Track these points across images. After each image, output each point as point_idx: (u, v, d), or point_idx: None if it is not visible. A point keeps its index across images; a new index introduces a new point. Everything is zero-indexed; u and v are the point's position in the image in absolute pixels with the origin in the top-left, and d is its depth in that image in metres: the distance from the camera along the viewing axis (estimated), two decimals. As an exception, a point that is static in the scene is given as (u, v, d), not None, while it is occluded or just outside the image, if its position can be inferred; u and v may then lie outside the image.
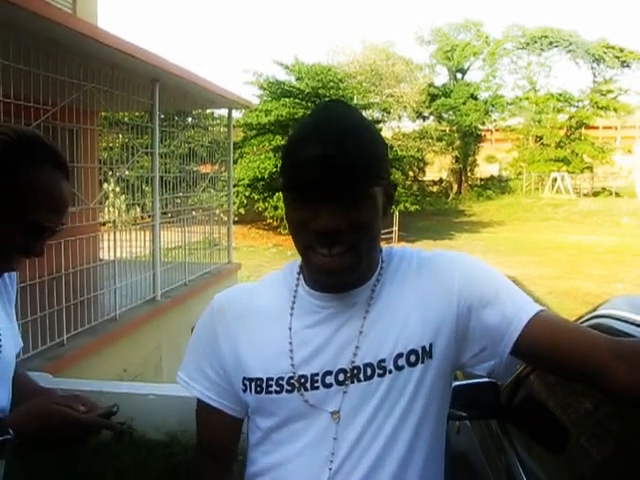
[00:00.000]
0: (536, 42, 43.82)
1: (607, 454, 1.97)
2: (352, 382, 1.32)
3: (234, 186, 18.24)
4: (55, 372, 5.54)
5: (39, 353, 5.98)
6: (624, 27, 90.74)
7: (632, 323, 2.04)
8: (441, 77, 46.95)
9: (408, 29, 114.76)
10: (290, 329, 1.36)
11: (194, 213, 10.98)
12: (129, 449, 4.56)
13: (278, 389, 1.35)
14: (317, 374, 1.33)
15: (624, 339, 1.32)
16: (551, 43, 43.71)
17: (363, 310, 1.35)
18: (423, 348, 1.32)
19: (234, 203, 18.01)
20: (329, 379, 1.32)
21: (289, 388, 1.34)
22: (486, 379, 2.58)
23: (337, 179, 1.22)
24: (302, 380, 1.33)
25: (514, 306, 1.31)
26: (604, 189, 42.88)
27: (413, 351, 1.32)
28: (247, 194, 25.93)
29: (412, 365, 1.32)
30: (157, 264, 8.79)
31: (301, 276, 1.42)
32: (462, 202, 41.75)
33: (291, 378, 1.34)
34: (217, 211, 12.28)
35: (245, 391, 1.40)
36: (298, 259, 1.41)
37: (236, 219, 18.51)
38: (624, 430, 1.87)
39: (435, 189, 44.52)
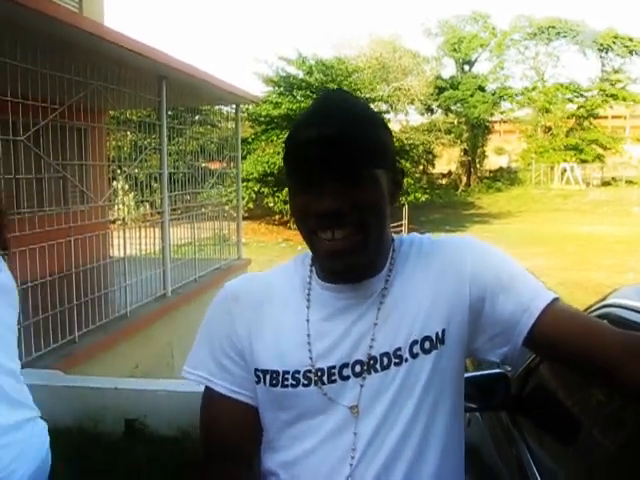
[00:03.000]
0: (543, 32, 43.65)
1: (619, 445, 1.97)
2: (369, 373, 1.29)
3: (243, 181, 18.26)
4: (67, 369, 5.58)
5: (51, 351, 6.01)
6: (633, 16, 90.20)
7: (641, 312, 2.03)
8: (448, 69, 46.83)
9: (415, 21, 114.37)
10: (308, 321, 1.34)
11: (203, 209, 10.99)
12: (141, 445, 4.58)
13: (294, 382, 1.31)
14: (334, 367, 1.30)
15: (638, 333, 1.29)
16: (558, 33, 43.53)
17: (377, 301, 1.33)
18: (436, 334, 1.30)
19: (243, 198, 18.03)
20: (346, 371, 1.30)
21: (306, 382, 1.31)
22: (496, 370, 2.58)
23: (335, 159, 1.21)
24: (319, 373, 1.30)
25: (529, 292, 1.30)
26: (614, 179, 42.67)
27: (427, 338, 1.30)
28: (256, 189, 25.96)
29: (426, 352, 1.30)
30: (167, 261, 8.81)
31: (313, 268, 1.40)
32: (471, 194, 41.68)
33: (308, 372, 1.31)
34: (226, 207, 12.29)
35: (258, 383, 1.36)
36: (308, 252, 1.40)
37: (246, 215, 18.56)
38: (636, 421, 1.86)
39: (444, 182, 44.44)
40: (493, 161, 47.02)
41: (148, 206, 11.20)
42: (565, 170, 41.50)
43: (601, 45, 42.86)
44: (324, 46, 74.56)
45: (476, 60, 46.05)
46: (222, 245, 11.62)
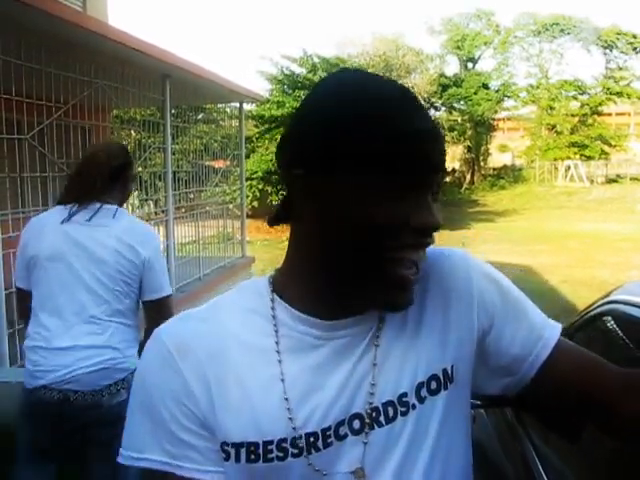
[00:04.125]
0: (547, 30, 43.56)
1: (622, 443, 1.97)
2: (372, 428, 1.03)
3: (247, 180, 18.27)
4: (72, 368, 5.57)
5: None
6: (637, 13, 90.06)
7: (645, 309, 2.04)
8: (452, 67, 46.71)
9: (418, 19, 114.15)
10: (283, 374, 1.02)
11: (207, 208, 11.00)
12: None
13: (281, 455, 1.00)
14: (329, 428, 1.02)
15: (636, 371, 1.17)
16: (562, 30, 43.43)
17: (374, 336, 1.06)
18: (444, 371, 1.08)
19: (247, 197, 18.04)
20: (343, 430, 1.02)
21: (295, 451, 1.00)
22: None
23: (442, 159, 0.97)
24: (311, 439, 1.01)
25: (539, 321, 1.15)
26: (618, 176, 42.58)
27: (434, 377, 1.07)
28: (260, 187, 25.96)
29: (434, 394, 1.06)
30: (171, 259, 8.81)
31: (276, 297, 1.08)
32: (475, 192, 41.61)
33: (297, 438, 1.00)
34: (230, 205, 12.31)
35: (228, 459, 1.01)
36: (257, 278, 1.12)
37: (249, 213, 18.53)
38: None
39: (448, 179, 44.37)
40: (497, 159, 46.94)
41: (152, 205, 11.22)
42: (569, 167, 41.41)
43: (605, 42, 42.77)
44: (327, 45, 74.59)
45: (480, 58, 45.96)
46: (226, 243, 11.64)
